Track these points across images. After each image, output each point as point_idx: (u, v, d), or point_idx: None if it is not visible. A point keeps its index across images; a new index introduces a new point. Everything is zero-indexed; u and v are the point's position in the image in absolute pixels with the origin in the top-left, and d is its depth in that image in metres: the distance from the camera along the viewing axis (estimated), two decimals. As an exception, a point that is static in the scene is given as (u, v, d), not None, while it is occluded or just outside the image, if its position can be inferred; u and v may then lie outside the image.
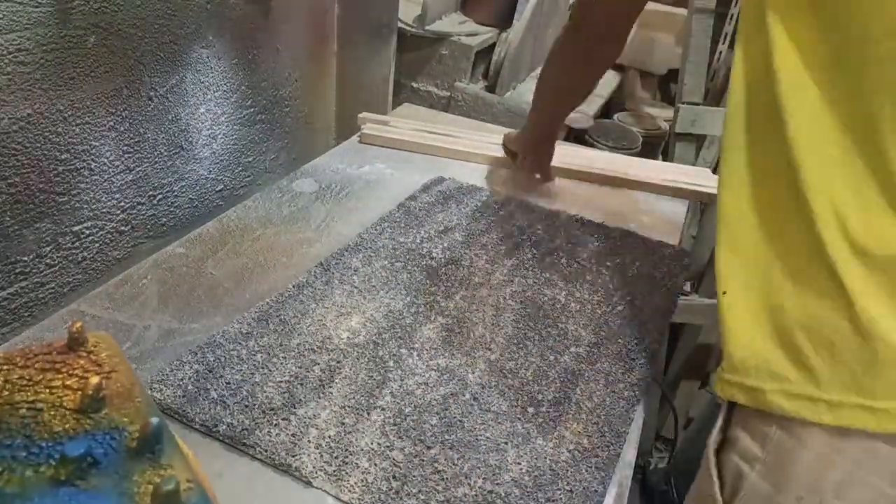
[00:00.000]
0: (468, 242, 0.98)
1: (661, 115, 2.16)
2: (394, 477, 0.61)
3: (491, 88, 1.86)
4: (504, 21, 1.84)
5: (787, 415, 0.54)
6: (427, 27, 1.70)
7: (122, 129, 0.91)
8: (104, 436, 0.40)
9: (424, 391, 0.71)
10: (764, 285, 0.56)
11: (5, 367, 0.44)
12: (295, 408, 0.67)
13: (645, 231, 1.05)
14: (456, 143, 1.27)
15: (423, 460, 0.63)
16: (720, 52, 2.56)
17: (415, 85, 1.81)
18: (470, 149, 1.25)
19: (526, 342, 0.80)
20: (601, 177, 1.22)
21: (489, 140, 1.27)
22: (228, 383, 0.69)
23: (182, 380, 0.68)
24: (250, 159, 1.20)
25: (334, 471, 0.61)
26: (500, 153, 1.22)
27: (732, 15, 2.54)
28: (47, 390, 0.43)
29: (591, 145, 1.79)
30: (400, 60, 1.54)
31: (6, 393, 0.42)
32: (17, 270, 0.82)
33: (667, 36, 2.41)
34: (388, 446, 0.64)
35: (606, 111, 2.25)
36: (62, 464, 0.38)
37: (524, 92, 2.00)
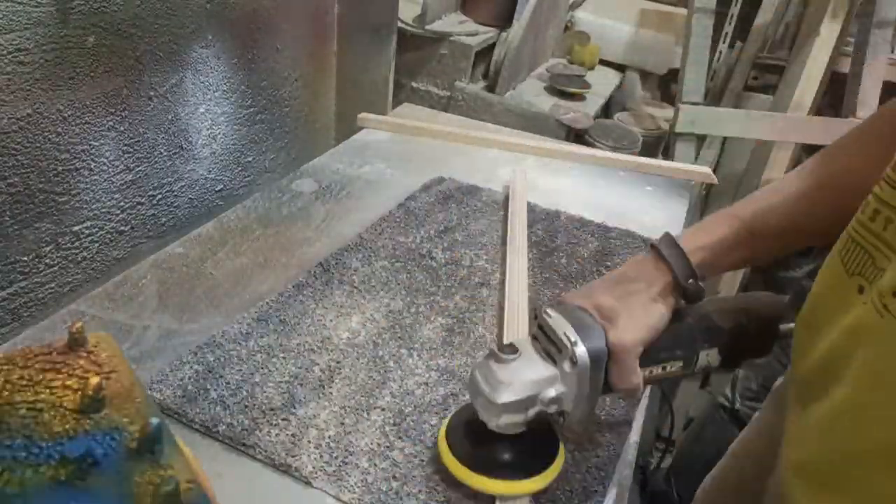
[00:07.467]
0: (468, 242, 0.98)
1: (661, 115, 2.16)
2: (394, 477, 0.61)
3: (491, 88, 1.86)
4: (504, 21, 1.84)
5: None
6: (427, 27, 1.70)
7: (122, 129, 0.91)
8: (104, 436, 0.40)
9: (424, 391, 0.71)
10: None
11: (5, 367, 0.44)
12: (295, 408, 0.67)
13: (645, 231, 1.05)
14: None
15: (423, 460, 0.63)
16: (720, 52, 2.56)
17: (415, 85, 1.81)
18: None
19: (526, 342, 0.80)
20: (601, 159, 1.27)
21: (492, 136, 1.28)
22: (228, 383, 0.69)
23: (182, 380, 0.68)
24: (250, 159, 1.20)
25: (334, 471, 0.61)
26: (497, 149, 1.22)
27: (732, 15, 2.54)
28: (47, 390, 0.43)
29: (591, 145, 1.78)
30: (400, 60, 1.53)
31: (6, 393, 0.42)
32: (17, 270, 0.82)
33: (667, 36, 2.41)
34: (387, 446, 0.64)
35: (606, 111, 2.25)
36: (62, 464, 0.38)
37: (524, 92, 2.00)
